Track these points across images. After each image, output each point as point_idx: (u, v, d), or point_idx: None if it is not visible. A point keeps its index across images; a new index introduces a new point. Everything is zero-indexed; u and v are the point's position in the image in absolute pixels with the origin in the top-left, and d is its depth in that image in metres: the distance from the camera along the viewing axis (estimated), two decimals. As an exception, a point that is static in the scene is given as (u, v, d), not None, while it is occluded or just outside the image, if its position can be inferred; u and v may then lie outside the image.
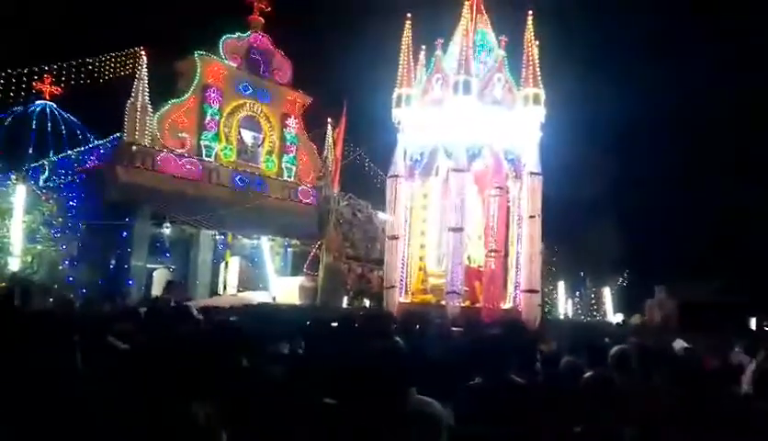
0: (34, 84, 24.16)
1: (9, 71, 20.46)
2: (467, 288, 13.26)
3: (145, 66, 20.69)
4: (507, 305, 13.56)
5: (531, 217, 13.45)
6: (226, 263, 21.95)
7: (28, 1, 29.15)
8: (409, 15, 14.59)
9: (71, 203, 19.38)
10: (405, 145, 14.36)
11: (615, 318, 24.05)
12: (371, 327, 5.44)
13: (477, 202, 14.21)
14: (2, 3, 24.10)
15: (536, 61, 13.94)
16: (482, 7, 14.94)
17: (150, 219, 19.06)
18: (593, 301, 28.98)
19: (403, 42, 14.45)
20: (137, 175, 19.64)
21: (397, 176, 14.11)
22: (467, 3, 14.12)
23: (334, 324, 6.08)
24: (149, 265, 19.70)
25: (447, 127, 13.66)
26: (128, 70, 21.74)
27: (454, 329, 8.37)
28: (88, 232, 18.60)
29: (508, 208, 14.19)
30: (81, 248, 18.69)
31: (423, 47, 14.69)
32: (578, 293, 29.43)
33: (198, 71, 22.24)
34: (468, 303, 13.23)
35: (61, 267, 18.25)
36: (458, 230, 12.92)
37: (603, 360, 4.33)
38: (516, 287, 13.72)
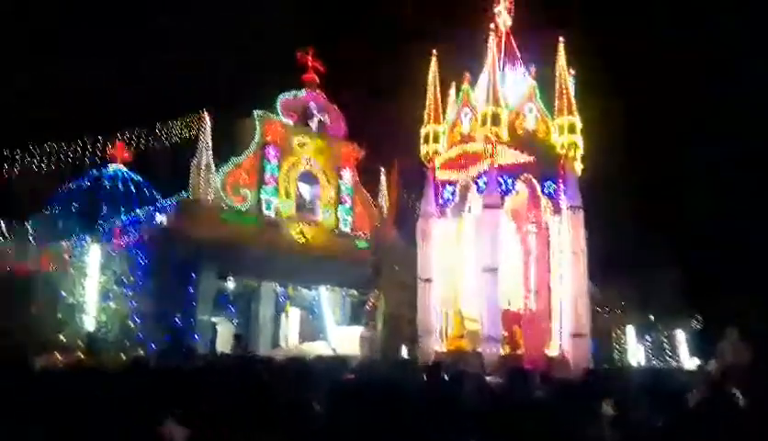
0: (107, 150, 25.78)
1: (85, 139, 21.98)
2: (505, 334, 12.31)
3: (208, 127, 21.77)
4: (552, 352, 12.46)
5: (574, 253, 12.49)
6: (286, 314, 22.27)
7: (97, 72, 31.48)
8: (434, 51, 14.11)
9: (140, 261, 20.28)
10: (435, 183, 13.72)
11: (691, 362, 22.75)
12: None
13: (515, 240, 13.40)
14: (74, 75, 26.12)
15: (570, 88, 13.16)
16: (511, 37, 14.36)
17: (213, 273, 19.68)
18: (667, 345, 27.53)
19: (429, 78, 13.96)
20: (201, 231, 20.42)
21: (428, 216, 13.46)
22: (493, 33, 13.59)
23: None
24: (213, 319, 20.22)
25: (478, 161, 12.99)
26: (192, 131, 22.95)
27: (489, 379, 7.41)
28: (156, 289, 19.35)
29: (549, 245, 13.24)
30: (150, 305, 19.44)
31: (454, 83, 14.13)
32: (649, 337, 28.05)
33: (258, 129, 23.20)
34: (507, 350, 12.25)
35: (131, 324, 18.99)
36: (493, 270, 12.04)
37: (680, 413, 4.01)
38: (561, 331, 12.49)
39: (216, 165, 21.94)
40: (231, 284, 20.39)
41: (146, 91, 32.46)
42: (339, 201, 25.23)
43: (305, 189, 24.60)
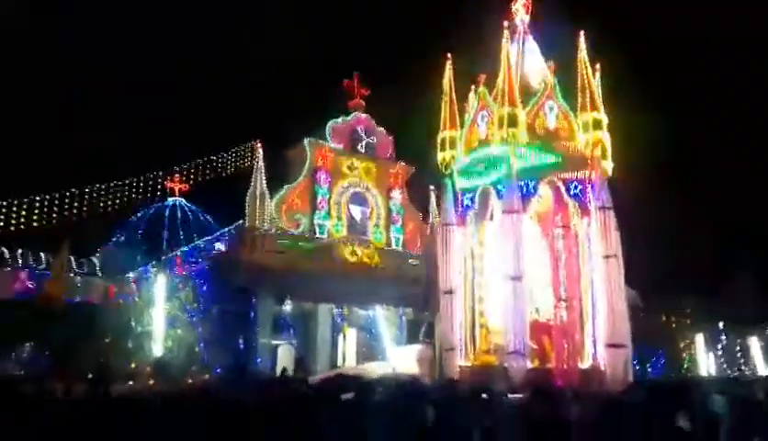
0: (166, 183, 26.97)
1: (147, 174, 23.10)
2: (535, 346, 11.54)
3: (261, 157, 22.49)
4: (585, 364, 11.61)
5: (606, 257, 11.67)
6: (344, 335, 22.53)
7: (149, 108, 33.05)
8: (449, 54, 13.33)
9: (202, 288, 21.01)
10: (454, 190, 13.08)
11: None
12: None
13: (542, 246, 12.62)
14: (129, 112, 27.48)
15: (593, 83, 12.36)
16: (529, 35, 13.52)
17: (272, 298, 20.16)
18: (740, 353, 26.27)
19: (444, 83, 13.29)
20: (259, 257, 20.98)
21: (448, 224, 12.79)
22: (506, 30, 12.69)
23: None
24: (273, 342, 20.68)
25: (496, 166, 12.29)
26: (246, 161, 23.77)
27: (513, 396, 6.52)
28: (219, 315, 19.97)
29: (578, 249, 12.42)
30: (213, 330, 20.06)
31: (473, 87, 13.39)
32: (720, 346, 26.85)
33: (308, 156, 23.80)
34: (536, 364, 11.46)
35: (196, 349, 19.63)
36: (517, 278, 11.28)
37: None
38: (595, 341, 11.56)
39: (270, 193, 22.62)
40: (288, 307, 20.85)
41: (199, 124, 33.88)
42: (390, 221, 25.48)
43: (356, 211, 24.98)
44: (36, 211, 20.28)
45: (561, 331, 11.55)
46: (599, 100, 12.39)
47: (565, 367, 11.05)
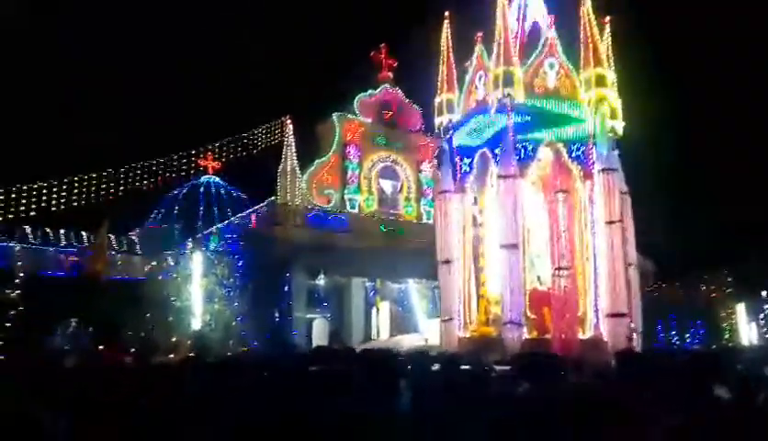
0: (199, 161, 27.36)
1: (181, 153, 23.48)
2: (534, 316, 11.17)
3: (291, 133, 22.59)
4: (587, 334, 11.14)
5: (609, 223, 11.03)
6: (377, 308, 22.75)
7: (184, 89, 33.39)
8: (447, 13, 12.66)
9: (238, 264, 21.41)
10: (452, 156, 12.52)
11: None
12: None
13: (544, 213, 11.97)
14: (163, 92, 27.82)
15: (596, 36, 11.46)
16: None
17: (305, 272, 20.45)
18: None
19: (442, 43, 12.64)
20: (291, 232, 21.24)
21: (445, 192, 12.31)
22: None
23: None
24: (308, 316, 21.03)
25: (494, 128, 11.69)
26: (276, 138, 23.91)
27: (501, 368, 5.70)
28: (254, 289, 20.36)
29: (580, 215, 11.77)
30: (249, 304, 20.49)
31: (476, 48, 12.53)
32: (762, 315, 26.20)
33: (337, 130, 23.81)
34: (535, 334, 11.08)
35: (234, 323, 20.10)
36: (512, 246, 10.81)
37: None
38: (597, 311, 11.06)
39: (300, 168, 22.75)
40: (321, 281, 21.13)
41: (229, 103, 34.16)
42: (420, 194, 25.40)
43: (386, 185, 24.99)
44: (75, 192, 20.89)
45: (561, 300, 10.92)
46: (603, 55, 11.59)
47: (564, 337, 10.53)
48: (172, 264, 21.04)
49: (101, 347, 15.04)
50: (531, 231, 11.56)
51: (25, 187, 19.75)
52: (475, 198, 12.59)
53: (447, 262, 12.06)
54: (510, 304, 10.80)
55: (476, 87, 12.18)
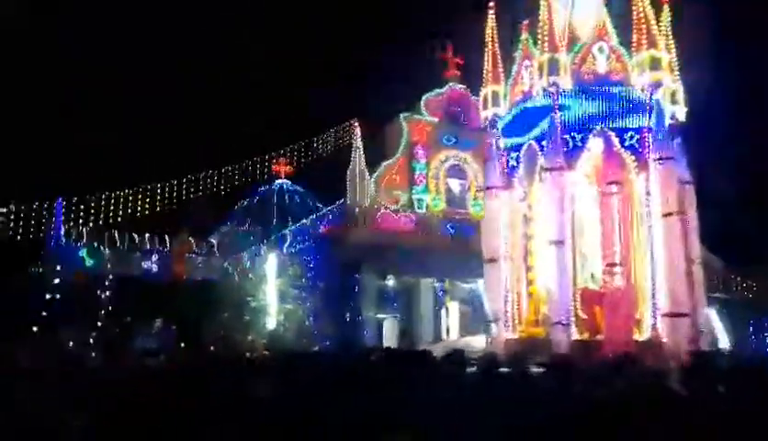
0: (273, 167, 28.30)
1: (255, 159, 24.40)
2: (585, 317, 10.57)
3: (359, 135, 22.90)
4: (644, 335, 10.43)
5: (666, 215, 10.30)
6: (446, 308, 22.67)
7: (255, 98, 34.54)
8: (491, 2, 12.08)
9: (310, 265, 21.96)
10: (499, 150, 12.12)
11: None
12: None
13: (597, 207, 11.30)
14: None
15: (649, 16, 10.63)
16: None
17: (375, 273, 20.69)
18: None
19: (487, 33, 12.11)
20: (361, 233, 21.53)
21: (492, 187, 11.92)
22: None
23: None
24: (378, 316, 21.25)
25: (541, 119, 11.09)
26: (345, 141, 24.35)
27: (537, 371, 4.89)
28: (326, 290, 20.82)
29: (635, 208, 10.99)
30: (321, 304, 20.96)
31: (522, 36, 11.98)
32: None
33: (405, 131, 23.92)
34: (586, 335, 10.43)
35: (306, 323, 20.61)
36: (560, 242, 10.27)
37: None
38: (654, 311, 10.27)
39: (369, 170, 23.04)
40: (391, 281, 21.30)
41: (299, 107, 35.06)
42: (489, 193, 25.10)
43: (454, 184, 24.83)
44: (158, 198, 22.15)
45: (614, 299, 10.22)
46: (658, 36, 10.79)
47: (616, 338, 9.74)
48: (248, 265, 21.88)
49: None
50: (584, 226, 11.06)
51: (113, 195, 21.15)
52: (525, 194, 12.10)
53: (493, 260, 11.61)
54: (557, 303, 10.30)
55: (522, 78, 11.72)
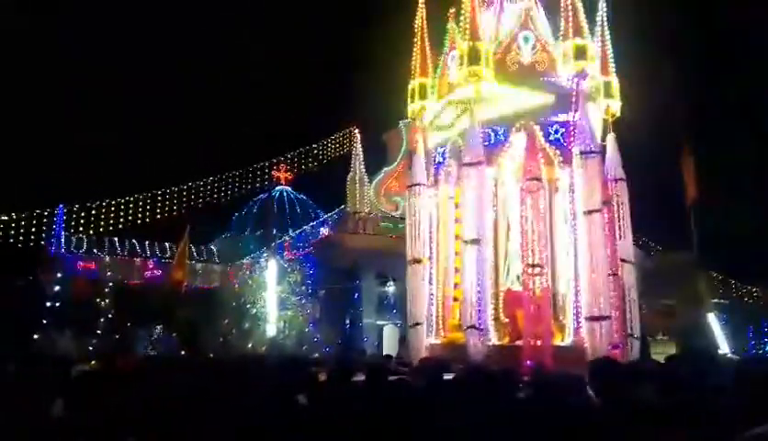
0: (273, 173, 28.34)
1: (254, 165, 24.44)
2: (506, 320, 10.08)
3: (359, 142, 22.97)
4: (567, 341, 9.89)
5: (588, 213, 9.77)
6: (447, 315, 22.63)
7: (254, 105, 34.56)
8: None
9: (309, 272, 21.96)
10: (426, 146, 11.49)
11: None
12: None
13: (526, 204, 10.34)
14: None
15: (576, 4, 10.34)
16: None
17: (374, 279, 20.68)
18: None
19: (416, 24, 11.71)
20: (360, 240, 21.55)
21: (416, 185, 11.19)
22: None
23: None
24: (378, 322, 21.22)
25: (464, 112, 10.53)
26: (344, 148, 24.42)
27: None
28: (326, 296, 20.82)
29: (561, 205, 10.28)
30: (321, 311, 20.96)
31: (449, 26, 11.24)
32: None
33: (404, 138, 23.92)
34: (506, 340, 9.94)
35: (306, 330, 20.62)
36: (475, 241, 9.74)
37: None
38: (577, 314, 9.74)
39: (368, 177, 23.07)
40: (391, 288, 21.27)
41: (298, 114, 35.12)
42: (490, 199, 25.11)
43: (455, 191, 24.87)
44: (158, 205, 22.18)
45: (533, 302, 9.55)
46: (585, 24, 10.42)
47: (535, 343, 9.20)
48: (248, 272, 21.88)
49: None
50: (510, 225, 10.50)
51: (113, 202, 21.17)
52: (452, 192, 11.34)
53: (417, 261, 10.86)
54: (471, 306, 9.57)
55: (449, 69, 11.04)
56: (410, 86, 11.53)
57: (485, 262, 9.84)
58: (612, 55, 11.03)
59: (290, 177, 30.76)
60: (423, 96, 11.34)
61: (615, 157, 10.85)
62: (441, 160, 11.29)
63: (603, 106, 10.89)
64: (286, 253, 24.70)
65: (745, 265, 23.34)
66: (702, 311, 17.97)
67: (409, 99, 11.49)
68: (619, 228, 10.60)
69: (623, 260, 10.58)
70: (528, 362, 8.50)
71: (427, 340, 10.54)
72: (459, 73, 10.37)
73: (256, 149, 29.20)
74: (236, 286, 21.87)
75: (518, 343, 9.55)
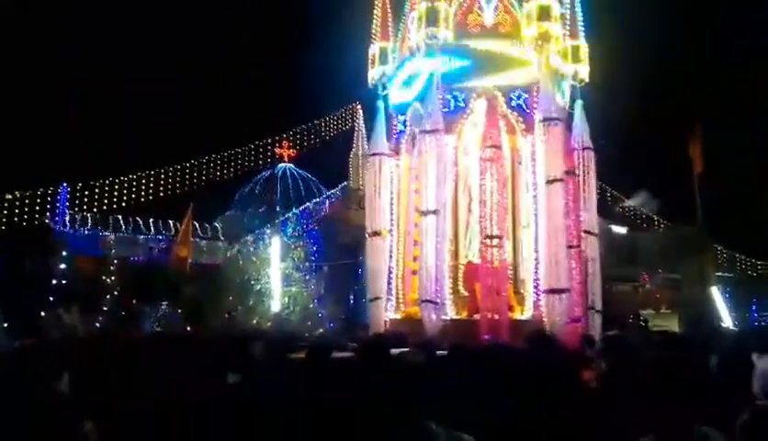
0: (276, 150, 28.26)
1: (257, 142, 24.36)
2: (466, 294, 9.73)
3: (361, 118, 22.84)
4: (525, 314, 9.51)
5: (551, 182, 9.23)
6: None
7: (261, 81, 34.34)
8: None
9: (313, 248, 22.02)
10: (387, 113, 10.97)
11: None
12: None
13: (483, 173, 10.01)
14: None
15: None
16: None
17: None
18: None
19: None
20: (364, 216, 21.53)
21: (377, 154, 10.69)
22: None
23: None
24: (382, 298, 21.32)
25: (424, 78, 9.99)
26: (347, 124, 24.29)
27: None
28: (329, 272, 20.88)
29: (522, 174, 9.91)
30: (325, 287, 21.03)
31: None
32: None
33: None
34: (464, 314, 9.58)
35: (311, 306, 20.72)
36: (432, 213, 9.34)
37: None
38: (537, 287, 9.32)
39: (371, 153, 23.01)
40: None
41: (301, 91, 34.88)
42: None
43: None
44: (162, 182, 22.18)
45: (490, 275, 9.07)
46: None
47: (495, 317, 8.79)
48: (252, 248, 21.93)
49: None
50: (471, 196, 10.01)
51: (117, 180, 21.20)
52: (414, 162, 10.84)
53: (377, 234, 10.50)
54: (427, 280, 9.19)
55: (409, 32, 10.55)
56: (370, 51, 10.88)
57: (444, 234, 9.47)
58: (581, 19, 10.48)
59: (293, 154, 30.65)
60: (384, 61, 10.77)
61: (583, 125, 10.38)
62: (402, 128, 10.78)
63: (571, 71, 10.37)
64: (290, 229, 24.76)
65: (750, 239, 23.37)
66: (706, 285, 18.08)
67: (369, 65, 10.85)
68: (584, 199, 10.20)
69: (586, 232, 10.16)
70: (486, 336, 8.28)
71: (386, 314, 10.19)
72: (418, 35, 9.86)
73: (259, 126, 29.04)
74: (240, 262, 21.96)
75: (476, 317, 9.19)
